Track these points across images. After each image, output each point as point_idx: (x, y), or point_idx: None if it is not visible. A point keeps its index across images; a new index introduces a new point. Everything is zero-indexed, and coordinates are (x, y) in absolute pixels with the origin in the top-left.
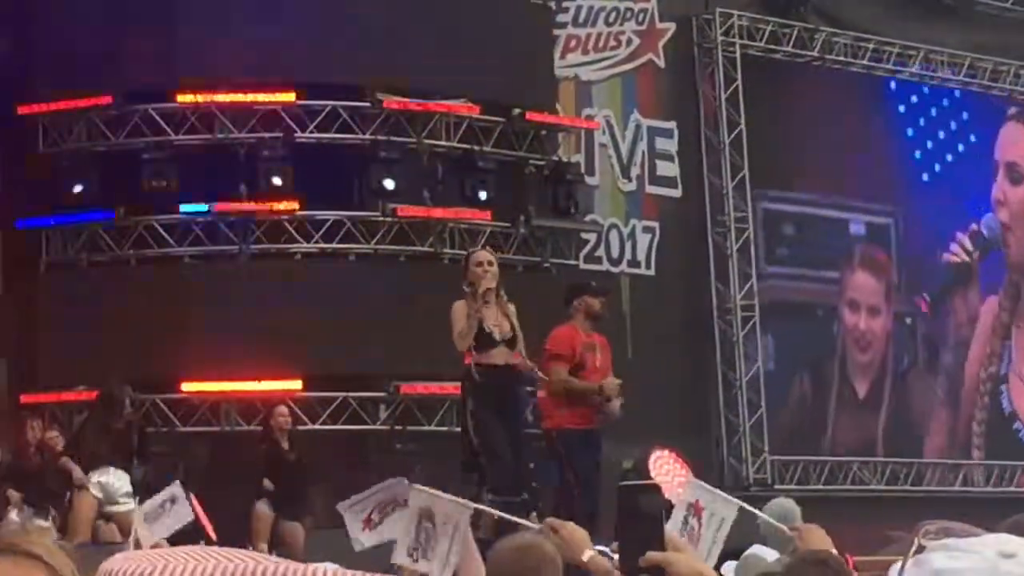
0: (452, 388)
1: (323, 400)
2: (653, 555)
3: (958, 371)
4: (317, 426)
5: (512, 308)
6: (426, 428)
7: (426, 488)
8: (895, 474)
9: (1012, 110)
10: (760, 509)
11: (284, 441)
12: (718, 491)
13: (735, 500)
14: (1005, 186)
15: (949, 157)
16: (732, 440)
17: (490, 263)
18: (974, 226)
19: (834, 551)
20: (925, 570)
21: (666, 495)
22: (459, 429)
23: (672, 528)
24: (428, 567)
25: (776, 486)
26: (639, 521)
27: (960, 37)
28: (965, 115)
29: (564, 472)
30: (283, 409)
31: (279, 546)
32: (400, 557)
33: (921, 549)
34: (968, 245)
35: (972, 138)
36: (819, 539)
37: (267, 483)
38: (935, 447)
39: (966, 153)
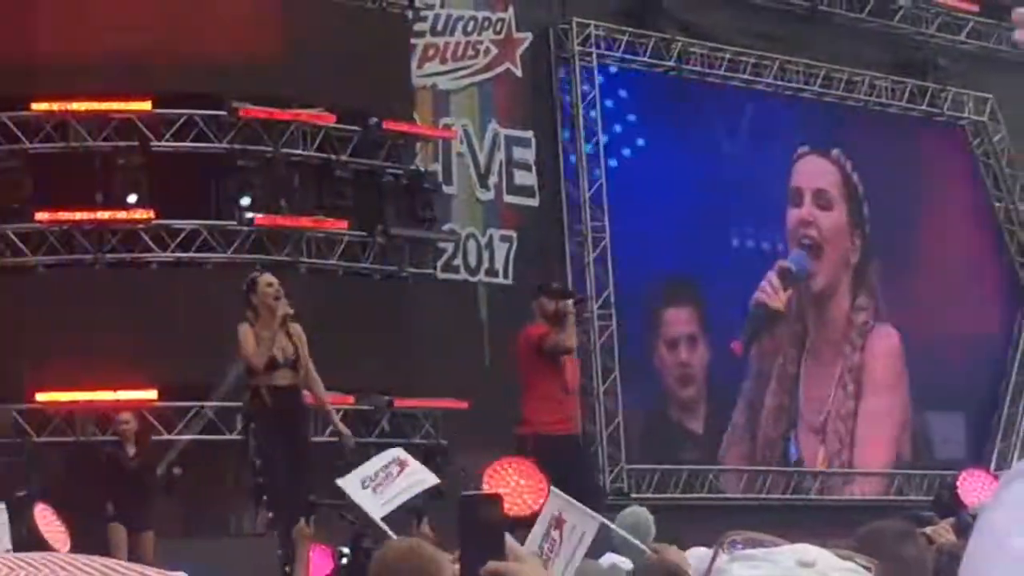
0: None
1: (179, 410)
2: (494, 565)
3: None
4: (173, 436)
5: (298, 329)
6: None
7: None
8: (751, 482)
9: (804, 148)
10: (615, 517)
11: (130, 447)
12: (580, 505)
13: (597, 516)
14: (813, 210)
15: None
16: (589, 449)
17: (279, 287)
18: (781, 262)
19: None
20: None
21: (511, 507)
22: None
23: (533, 541)
24: (368, 500)
25: (633, 495)
26: (480, 532)
27: (817, 48)
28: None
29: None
30: (125, 416)
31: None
32: (349, 483)
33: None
34: (776, 283)
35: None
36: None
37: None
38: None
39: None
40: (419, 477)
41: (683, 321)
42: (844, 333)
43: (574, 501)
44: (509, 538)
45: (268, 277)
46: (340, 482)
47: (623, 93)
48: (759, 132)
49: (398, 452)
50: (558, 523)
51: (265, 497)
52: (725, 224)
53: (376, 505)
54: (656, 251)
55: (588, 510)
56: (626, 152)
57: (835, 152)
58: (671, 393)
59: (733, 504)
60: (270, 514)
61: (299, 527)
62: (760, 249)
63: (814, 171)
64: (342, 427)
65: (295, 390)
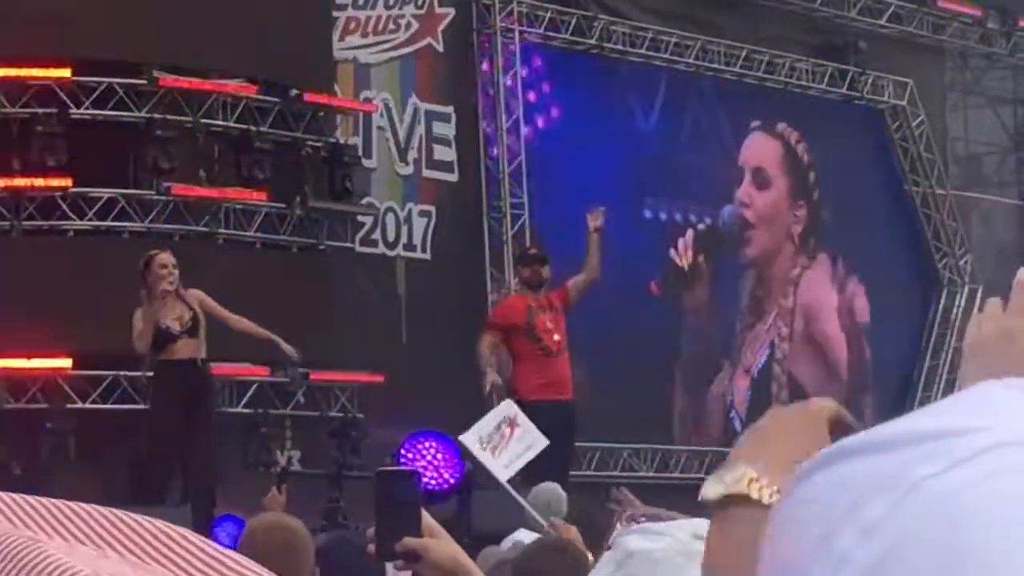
0: (229, 368)
1: (93, 379)
2: (410, 541)
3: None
4: (87, 405)
5: (194, 293)
6: None
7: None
8: (664, 461)
9: (755, 122)
10: (529, 493)
11: None
12: (534, 426)
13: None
14: (751, 190)
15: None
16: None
17: (174, 266)
18: (702, 225)
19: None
20: (620, 551)
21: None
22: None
23: (482, 427)
24: (491, 463)
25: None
26: (396, 507)
27: (740, 29)
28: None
29: None
30: None
31: None
32: (470, 440)
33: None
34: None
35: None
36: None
37: None
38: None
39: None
40: (531, 438)
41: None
42: (782, 289)
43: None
44: (425, 514)
45: (164, 258)
46: (462, 439)
47: (544, 70)
48: (675, 110)
49: (508, 408)
50: (511, 424)
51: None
52: (640, 197)
53: (499, 468)
54: (574, 227)
55: (540, 434)
56: (546, 129)
57: (780, 126)
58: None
59: (648, 483)
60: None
61: (271, 494)
62: (674, 220)
63: (757, 149)
64: (285, 346)
65: (193, 363)
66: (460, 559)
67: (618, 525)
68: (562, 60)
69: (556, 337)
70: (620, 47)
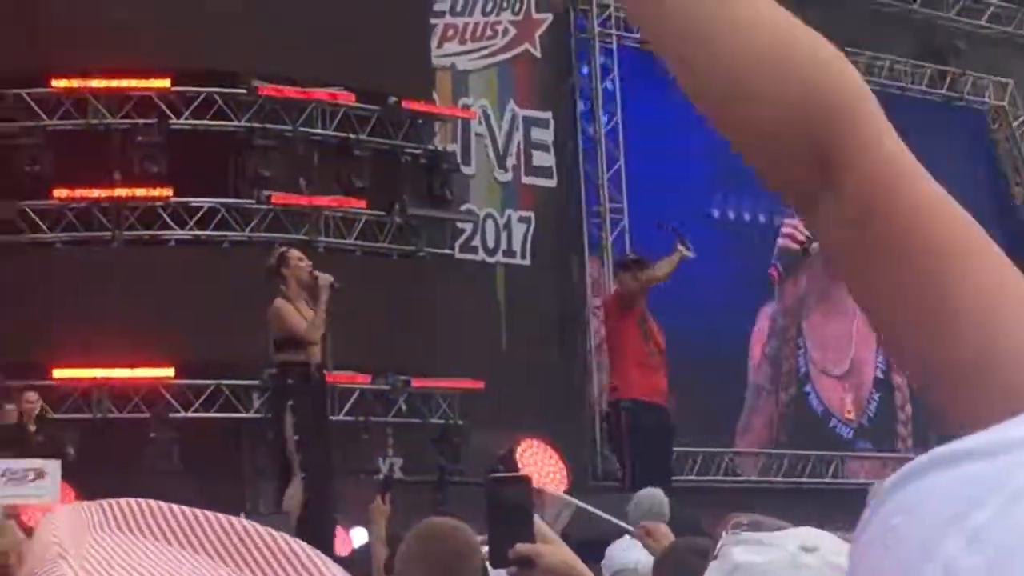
0: (331, 376)
1: (196, 388)
2: (522, 547)
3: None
4: (190, 414)
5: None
6: None
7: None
8: (767, 465)
9: None
10: (631, 500)
11: (31, 425)
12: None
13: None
14: None
15: None
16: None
17: (308, 261)
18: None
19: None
20: (726, 564)
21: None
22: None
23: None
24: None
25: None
26: (507, 513)
27: (837, 30)
28: None
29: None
30: (31, 395)
31: None
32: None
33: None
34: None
35: None
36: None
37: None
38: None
39: None
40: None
41: None
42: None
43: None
44: (537, 519)
45: (298, 252)
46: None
47: (644, 73)
48: None
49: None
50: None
51: (304, 475)
52: (739, 200)
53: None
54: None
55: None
56: (645, 132)
57: None
58: None
59: (752, 487)
60: (307, 493)
61: (375, 504)
62: (772, 224)
63: None
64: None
65: (322, 367)
66: (573, 564)
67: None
68: (659, 64)
69: (662, 342)
70: None
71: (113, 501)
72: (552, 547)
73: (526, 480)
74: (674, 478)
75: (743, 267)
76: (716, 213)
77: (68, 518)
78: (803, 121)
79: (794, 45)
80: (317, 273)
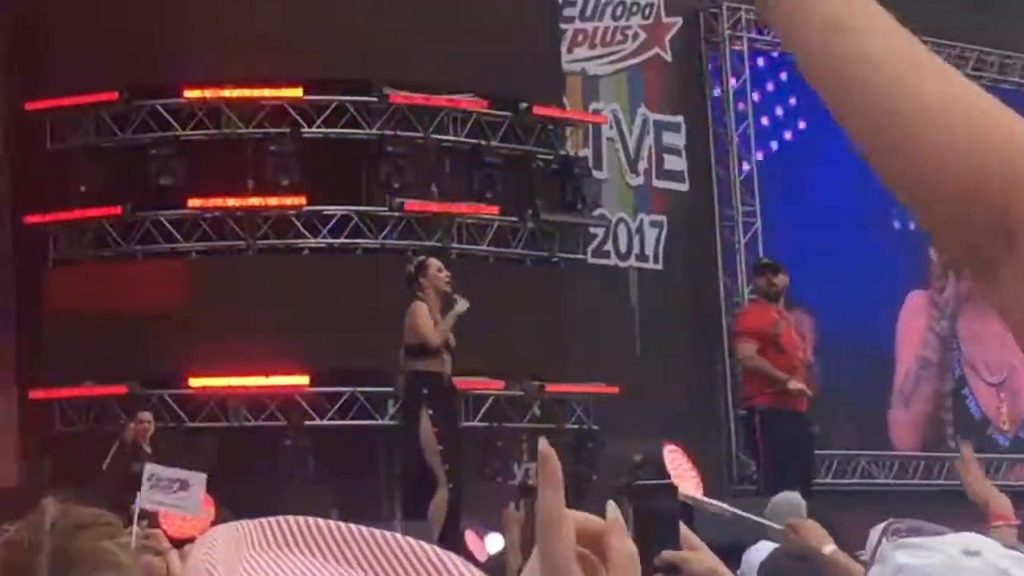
0: (465, 383)
1: (331, 395)
2: (668, 554)
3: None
4: (325, 422)
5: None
6: None
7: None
8: (904, 467)
9: None
10: (767, 504)
11: (146, 446)
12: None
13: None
14: None
15: None
16: (742, 435)
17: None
18: None
19: (830, 547)
20: (888, 567)
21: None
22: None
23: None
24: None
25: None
26: (654, 520)
27: (971, 32)
28: None
29: (762, 452)
30: (146, 415)
31: None
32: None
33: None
34: None
35: None
36: (814, 535)
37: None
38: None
39: None
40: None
41: None
42: None
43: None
44: (683, 526)
45: (437, 262)
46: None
47: (783, 76)
48: None
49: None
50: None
51: (451, 485)
52: (887, 208)
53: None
54: (809, 235)
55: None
56: (777, 134)
57: None
58: None
59: (890, 490)
60: (448, 498)
61: (508, 510)
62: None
63: None
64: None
65: (450, 377)
66: (719, 571)
67: (878, 537)
68: (792, 65)
69: (801, 355)
70: None
71: (272, 519)
72: (697, 554)
73: (672, 487)
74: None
75: (886, 266)
76: (854, 213)
77: (226, 537)
78: (993, 189)
79: (986, 121)
80: (456, 297)
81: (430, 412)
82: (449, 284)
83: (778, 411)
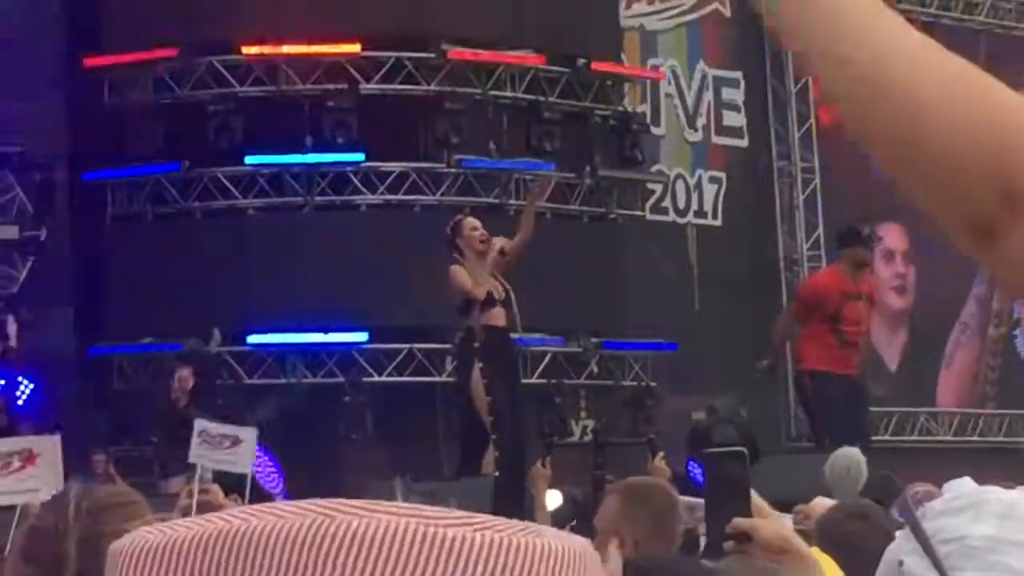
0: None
1: (389, 352)
2: (740, 522)
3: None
4: (383, 378)
5: (497, 241)
6: None
7: None
8: (963, 425)
9: None
10: (827, 460)
11: (183, 401)
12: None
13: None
14: None
15: None
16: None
17: (483, 230)
18: None
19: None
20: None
21: None
22: None
23: None
24: None
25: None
26: (725, 487)
27: None
28: None
29: (813, 416)
30: (185, 371)
31: None
32: None
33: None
34: None
35: None
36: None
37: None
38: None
39: None
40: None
41: (897, 237)
42: None
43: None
44: (754, 494)
45: (472, 221)
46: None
47: None
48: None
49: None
50: None
51: (494, 437)
52: None
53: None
54: (867, 188)
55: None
56: None
57: None
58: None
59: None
60: (497, 454)
61: (535, 468)
62: None
63: None
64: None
65: (508, 331)
66: (790, 538)
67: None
68: None
69: (862, 328)
70: (932, 9)
71: None
72: (769, 521)
73: (743, 454)
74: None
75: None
76: None
77: None
78: (991, 157)
79: (985, 94)
80: (478, 246)
81: (480, 365)
82: (484, 242)
83: (828, 373)
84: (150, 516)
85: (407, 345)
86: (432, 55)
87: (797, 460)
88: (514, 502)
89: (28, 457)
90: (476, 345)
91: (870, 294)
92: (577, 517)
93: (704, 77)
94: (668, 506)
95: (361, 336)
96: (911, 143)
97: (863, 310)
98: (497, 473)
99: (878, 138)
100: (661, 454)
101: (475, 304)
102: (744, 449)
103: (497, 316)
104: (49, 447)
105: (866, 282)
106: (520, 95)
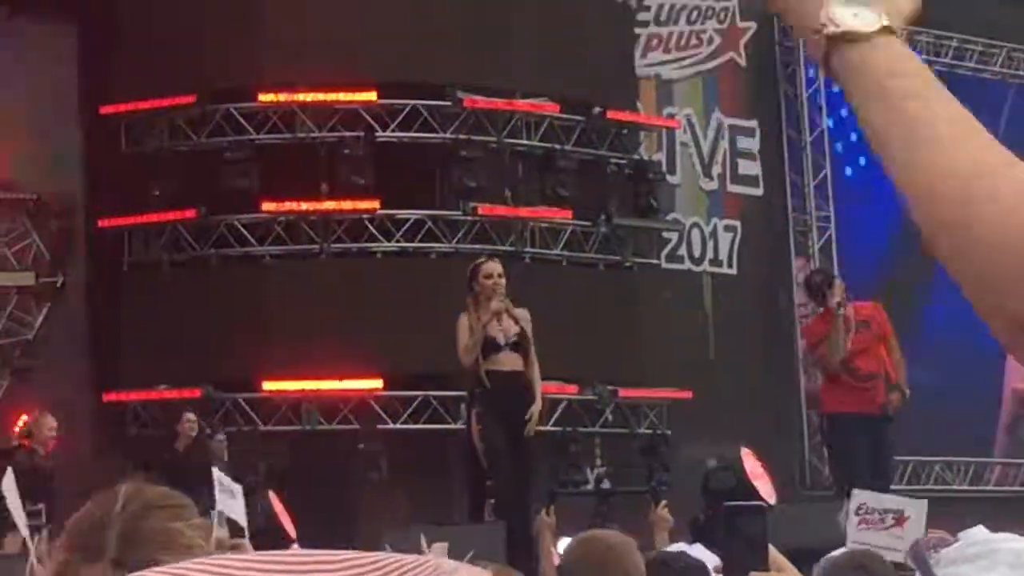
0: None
1: (404, 399)
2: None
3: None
4: (398, 425)
5: (524, 313)
6: None
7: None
8: (978, 474)
9: None
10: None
11: (181, 446)
12: None
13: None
14: None
15: None
16: (814, 439)
17: (500, 275)
18: None
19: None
20: None
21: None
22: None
23: None
24: None
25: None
26: (742, 540)
27: None
28: None
29: (834, 460)
30: (190, 415)
31: None
32: None
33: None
34: None
35: None
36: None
37: None
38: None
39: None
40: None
41: None
42: None
43: None
44: (771, 548)
45: (489, 267)
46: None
47: None
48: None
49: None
50: None
51: (489, 483)
52: None
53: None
54: (883, 239)
55: None
56: (851, 139)
57: None
58: None
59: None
60: (492, 501)
61: (540, 517)
62: None
63: None
64: (532, 423)
65: (517, 376)
66: None
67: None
68: None
69: (872, 358)
70: (924, 56)
71: None
72: (786, 575)
73: (762, 508)
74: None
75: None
76: None
77: None
78: None
79: None
80: (489, 294)
81: (476, 410)
82: (496, 292)
83: (846, 416)
84: (196, 520)
85: (422, 393)
86: (448, 103)
87: (812, 508)
88: (518, 549)
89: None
90: (476, 390)
91: (871, 320)
92: None
93: (720, 126)
94: (623, 561)
95: (376, 383)
96: (969, 241)
97: (870, 339)
98: (493, 519)
99: (939, 228)
100: (663, 503)
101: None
102: (763, 503)
103: (502, 360)
104: None
105: (863, 311)
106: (536, 143)
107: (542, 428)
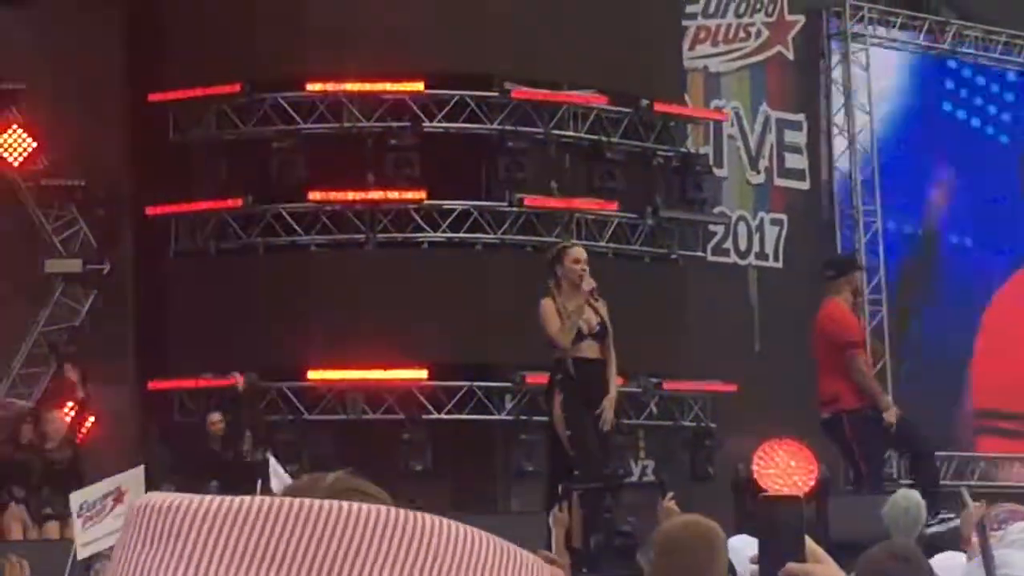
0: None
1: (449, 390)
2: (793, 567)
3: None
4: (442, 416)
5: (602, 303)
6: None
7: None
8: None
9: None
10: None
11: (216, 444)
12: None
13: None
14: None
15: None
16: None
17: (587, 262)
18: None
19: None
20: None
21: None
22: None
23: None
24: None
25: (902, 480)
26: (779, 532)
27: None
28: None
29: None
30: (215, 415)
31: None
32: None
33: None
34: None
35: None
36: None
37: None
38: None
39: None
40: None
41: None
42: None
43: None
44: (808, 539)
45: (578, 252)
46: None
47: (898, 74)
48: None
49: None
50: (117, 498)
51: (576, 472)
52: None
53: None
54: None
55: None
56: (898, 133)
57: None
58: None
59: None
60: (576, 488)
61: (554, 512)
62: None
63: None
64: (608, 413)
65: (600, 363)
66: None
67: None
68: (913, 64)
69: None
70: (972, 51)
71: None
72: (823, 567)
73: (799, 499)
74: None
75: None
76: (968, 217)
77: None
78: None
79: None
80: (576, 279)
81: (561, 397)
82: (583, 276)
83: (866, 409)
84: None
85: (466, 383)
86: (495, 94)
87: (856, 502)
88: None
89: (118, 496)
90: (559, 377)
91: None
92: None
93: (767, 119)
94: (715, 545)
95: (421, 373)
96: None
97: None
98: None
99: None
100: (671, 494)
101: (565, 346)
102: (800, 495)
103: (587, 348)
104: (134, 482)
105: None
106: (583, 135)
107: None
